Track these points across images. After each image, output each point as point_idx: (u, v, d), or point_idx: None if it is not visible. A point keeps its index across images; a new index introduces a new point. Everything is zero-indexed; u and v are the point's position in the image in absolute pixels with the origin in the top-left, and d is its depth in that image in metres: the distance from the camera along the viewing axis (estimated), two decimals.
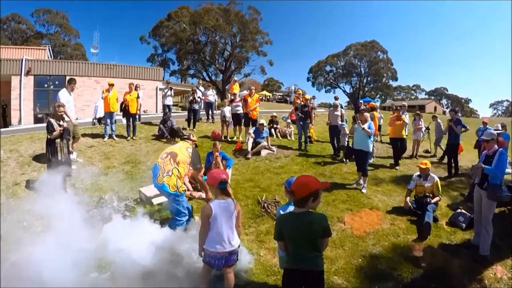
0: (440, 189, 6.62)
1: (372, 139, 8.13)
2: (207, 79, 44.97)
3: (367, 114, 8.10)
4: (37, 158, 8.91)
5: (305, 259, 3.04)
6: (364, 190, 7.55)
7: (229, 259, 3.76)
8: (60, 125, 6.81)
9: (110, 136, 11.50)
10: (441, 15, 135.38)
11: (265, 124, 11.08)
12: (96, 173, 8.32)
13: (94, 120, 14.67)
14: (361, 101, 19.64)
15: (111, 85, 11.43)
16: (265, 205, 6.49)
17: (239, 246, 3.84)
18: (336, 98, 11.93)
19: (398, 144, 10.04)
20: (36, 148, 9.63)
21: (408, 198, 6.61)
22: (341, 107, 11.40)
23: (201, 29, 44.47)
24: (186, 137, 5.82)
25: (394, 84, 63.57)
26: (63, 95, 8.78)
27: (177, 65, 50.07)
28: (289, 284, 3.18)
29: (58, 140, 6.76)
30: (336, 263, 4.78)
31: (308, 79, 62.78)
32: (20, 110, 21.16)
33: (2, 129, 15.33)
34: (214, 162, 7.90)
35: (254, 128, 11.09)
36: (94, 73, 23.70)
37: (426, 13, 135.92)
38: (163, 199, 6.18)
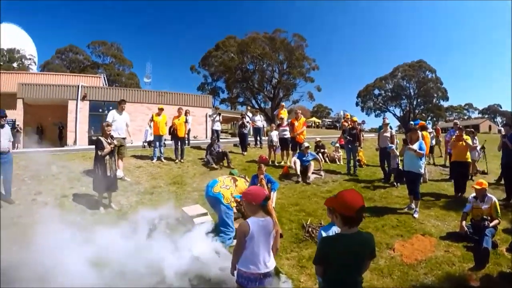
0: (499, 211, 6.05)
1: (423, 160, 7.66)
2: (256, 106, 45.61)
3: (419, 133, 7.71)
4: (87, 174, 9.35)
5: (348, 284, 2.75)
6: (416, 215, 7.10)
7: (263, 282, 3.46)
8: (109, 143, 7.17)
9: (159, 158, 11.93)
10: (487, 30, 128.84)
11: (310, 147, 10.92)
12: (141, 191, 8.68)
13: (145, 143, 15.36)
14: (411, 123, 18.92)
15: (161, 109, 12.06)
16: (310, 229, 6.30)
17: (274, 268, 3.57)
18: (385, 119, 11.54)
19: (460, 168, 8.97)
20: (87, 165, 10.14)
21: (464, 222, 6.12)
22: (391, 128, 10.96)
23: (249, 58, 45.53)
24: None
25: (445, 104, 61.24)
26: (111, 114, 9.49)
27: (227, 93, 51.45)
28: None
29: (107, 157, 7.09)
30: None
31: (357, 104, 62.06)
32: (75, 131, 22.95)
33: (58, 148, 16.33)
34: (259, 184, 7.83)
35: (298, 152, 10.98)
36: (146, 99, 25.03)
37: (471, 29, 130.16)
38: (204, 219, 6.28)
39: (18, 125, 21.82)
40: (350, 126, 11.38)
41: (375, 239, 5.59)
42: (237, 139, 16.80)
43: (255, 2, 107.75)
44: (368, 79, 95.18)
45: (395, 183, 9.47)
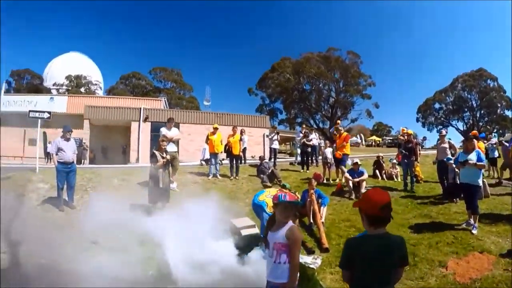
0: None
1: (482, 171, 7.19)
2: (315, 126, 45.46)
3: (475, 141, 7.31)
4: (143, 185, 9.82)
5: None
6: (474, 231, 6.59)
7: None
8: (163, 157, 7.65)
9: (214, 175, 12.43)
10: None
11: (359, 163, 10.70)
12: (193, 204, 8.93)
13: (202, 161, 16.09)
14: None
15: (215, 128, 12.64)
16: None
17: (285, 285, 3.06)
18: (445, 131, 10.97)
19: None
20: (146, 178, 10.59)
21: None
22: (450, 139, 10.40)
23: (305, 78, 45.72)
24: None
25: (510, 114, 55.85)
26: (161, 131, 10.22)
27: (285, 114, 51.75)
28: None
29: (160, 170, 7.55)
30: None
31: (417, 120, 58.88)
32: (138, 150, 24.39)
33: (121, 165, 17.53)
34: (308, 200, 7.86)
35: (349, 169, 10.87)
36: (205, 121, 26.03)
37: None
38: (251, 231, 6.55)
39: (84, 143, 23.86)
40: (406, 140, 11.00)
41: (428, 257, 5.47)
42: (293, 158, 17.10)
43: (307, 24, 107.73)
44: (427, 92, 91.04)
45: (454, 199, 8.92)
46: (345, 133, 12.30)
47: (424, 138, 42.70)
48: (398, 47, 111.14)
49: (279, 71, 47.42)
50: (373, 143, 52.29)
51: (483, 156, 7.04)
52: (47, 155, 20.94)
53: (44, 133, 22.71)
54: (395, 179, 12.47)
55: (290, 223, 3.17)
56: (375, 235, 2.52)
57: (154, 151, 7.98)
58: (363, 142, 47.09)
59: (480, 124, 53.44)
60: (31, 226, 6.78)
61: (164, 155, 8.04)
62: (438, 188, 10.26)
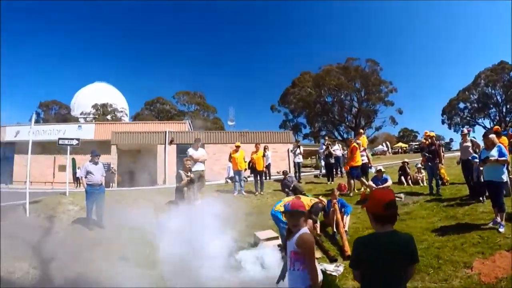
0: None
1: (505, 169, 6.89)
2: (339, 138, 45.23)
3: (493, 136, 7.10)
4: (169, 204, 9.94)
5: None
6: (501, 229, 6.37)
7: None
8: (187, 176, 7.93)
9: (240, 192, 12.72)
10: None
11: (383, 170, 10.64)
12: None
13: (227, 179, 16.39)
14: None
15: (238, 146, 13.04)
16: None
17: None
18: (466, 130, 10.73)
19: None
20: (172, 198, 10.76)
21: None
22: (474, 138, 10.18)
23: (326, 91, 45.76)
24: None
25: None
26: (188, 151, 10.55)
27: (309, 128, 51.73)
28: None
29: (185, 189, 7.83)
30: None
31: (443, 122, 57.32)
32: (164, 172, 24.84)
33: (149, 187, 18.09)
34: (332, 209, 7.90)
35: (373, 176, 10.93)
36: (229, 140, 26.39)
37: None
38: (274, 243, 6.76)
39: (112, 167, 24.59)
40: (428, 142, 10.85)
41: (452, 259, 5.42)
42: (317, 171, 17.30)
43: (324, 37, 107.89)
44: (450, 93, 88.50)
45: (481, 199, 8.69)
46: (354, 144, 12.08)
47: (451, 140, 41.58)
48: (416, 49, 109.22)
49: (300, 86, 47.72)
50: (400, 150, 51.34)
51: (505, 151, 6.83)
52: (77, 180, 21.87)
53: (73, 159, 23.77)
54: (421, 184, 12.26)
55: (302, 230, 3.23)
56: (382, 233, 2.59)
57: (179, 171, 8.33)
58: (390, 150, 46.30)
59: (508, 119, 51.23)
60: (62, 244, 7.27)
61: (189, 174, 8.36)
62: (465, 189, 10.01)
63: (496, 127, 10.48)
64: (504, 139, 9.20)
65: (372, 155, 41.01)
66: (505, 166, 6.90)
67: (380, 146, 48.06)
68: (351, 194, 11.48)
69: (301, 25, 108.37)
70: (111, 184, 23.74)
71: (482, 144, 9.35)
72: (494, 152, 6.82)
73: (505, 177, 6.89)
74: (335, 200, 8.06)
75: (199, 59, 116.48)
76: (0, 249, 5.97)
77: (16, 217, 9.12)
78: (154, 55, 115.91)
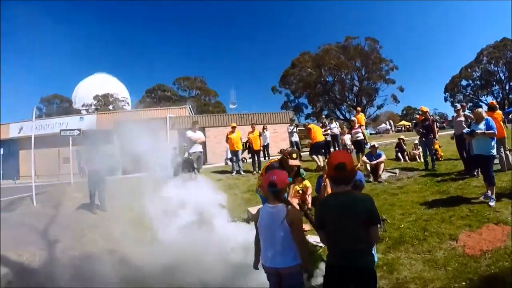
0: None
1: (495, 140, 6.84)
2: (341, 117, 45.03)
3: (480, 110, 6.99)
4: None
5: (348, 253, 2.64)
6: (492, 203, 6.28)
7: (282, 283, 3.07)
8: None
9: (238, 172, 12.82)
10: None
11: (377, 146, 10.56)
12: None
13: (226, 160, 16.52)
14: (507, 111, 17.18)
15: (233, 127, 13.02)
16: None
17: (296, 268, 3.07)
18: (460, 105, 10.61)
19: None
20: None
21: None
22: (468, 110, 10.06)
23: (326, 70, 45.32)
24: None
25: None
26: (187, 133, 10.91)
27: (311, 108, 51.47)
28: (332, 285, 2.76)
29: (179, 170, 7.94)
30: (430, 285, 4.15)
31: (445, 99, 56.62)
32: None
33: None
34: (323, 184, 7.91)
35: (366, 152, 10.84)
36: (230, 123, 26.22)
37: None
38: None
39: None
40: (422, 118, 10.70)
41: (439, 231, 5.38)
42: None
43: (322, 16, 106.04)
44: (453, 70, 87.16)
45: (475, 173, 8.58)
46: (308, 126, 13.04)
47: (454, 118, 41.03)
48: (416, 25, 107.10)
49: (299, 67, 47.26)
50: (403, 128, 51.13)
51: (493, 124, 6.70)
52: (82, 170, 21.90)
53: (78, 151, 23.81)
54: (418, 160, 12.17)
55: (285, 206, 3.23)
56: (339, 193, 2.76)
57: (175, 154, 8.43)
58: (393, 128, 46.11)
59: (511, 96, 50.70)
60: (67, 228, 7.57)
61: (186, 155, 8.51)
62: (460, 165, 9.87)
63: (492, 101, 10.30)
64: (499, 113, 9.03)
65: (376, 133, 41.00)
66: (494, 139, 6.79)
67: (383, 125, 47.86)
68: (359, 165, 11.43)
69: (297, 4, 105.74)
70: (115, 172, 23.86)
71: None
72: (481, 126, 6.72)
73: (494, 151, 6.82)
74: (325, 176, 7.99)
75: (199, 42, 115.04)
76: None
77: (23, 207, 9.41)
78: (151, 42, 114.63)
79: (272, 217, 3.09)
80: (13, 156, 28.51)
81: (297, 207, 6.88)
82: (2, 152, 25.64)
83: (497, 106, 9.40)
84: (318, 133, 12.46)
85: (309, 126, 12.96)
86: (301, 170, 7.32)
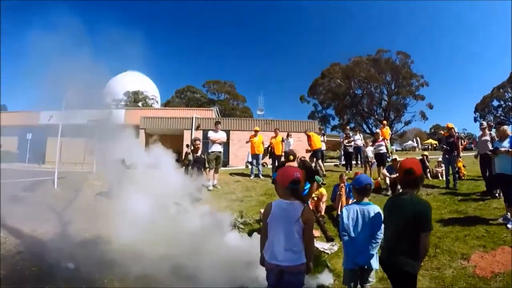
0: None
1: None
2: (368, 131, 44.48)
3: (505, 128, 6.83)
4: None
5: (393, 251, 2.89)
6: (510, 225, 6.06)
7: (282, 280, 2.97)
8: (196, 157, 7.99)
9: (257, 175, 12.89)
10: None
11: (398, 159, 10.37)
12: (232, 199, 9.74)
13: (247, 163, 16.57)
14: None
15: (256, 131, 13.21)
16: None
17: (301, 267, 3.02)
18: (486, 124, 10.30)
19: None
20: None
21: None
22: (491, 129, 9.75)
23: (355, 83, 44.94)
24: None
25: None
26: (209, 134, 11.14)
27: (337, 120, 51.06)
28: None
29: (189, 168, 7.90)
30: None
31: (475, 120, 54.43)
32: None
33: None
34: (339, 193, 7.94)
35: (388, 165, 10.65)
36: (254, 127, 26.43)
37: None
38: None
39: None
40: (446, 134, 10.47)
41: (451, 249, 5.32)
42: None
43: (355, 27, 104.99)
44: (484, 89, 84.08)
45: (497, 194, 8.30)
46: (309, 133, 13.78)
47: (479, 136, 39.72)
48: (449, 42, 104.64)
49: (329, 77, 47.02)
50: (430, 147, 50.05)
51: None
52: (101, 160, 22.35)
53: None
54: (440, 178, 11.90)
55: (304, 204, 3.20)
56: (399, 193, 3.22)
57: (187, 152, 8.39)
58: (420, 146, 45.12)
59: None
60: (82, 211, 7.91)
61: (199, 154, 8.42)
62: (483, 185, 9.56)
63: None
64: None
65: (401, 150, 40.26)
66: None
67: (409, 142, 46.95)
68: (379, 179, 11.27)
69: (331, 14, 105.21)
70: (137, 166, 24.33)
71: None
72: (505, 143, 6.53)
73: None
74: (342, 184, 8.10)
75: (232, 47, 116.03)
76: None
77: (44, 189, 9.88)
78: (184, 45, 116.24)
79: (287, 213, 3.03)
80: (41, 142, 29.41)
81: None
82: (30, 137, 26.45)
83: None
84: (317, 141, 13.39)
85: (309, 133, 13.64)
86: (317, 177, 7.30)
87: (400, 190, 3.03)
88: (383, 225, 3.38)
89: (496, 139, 7.57)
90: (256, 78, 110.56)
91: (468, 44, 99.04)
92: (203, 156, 8.67)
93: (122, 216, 7.11)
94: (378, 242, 3.56)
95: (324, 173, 12.89)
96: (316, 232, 6.67)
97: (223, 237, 5.90)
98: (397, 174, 3.14)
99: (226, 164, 23.37)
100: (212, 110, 34.86)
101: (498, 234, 5.90)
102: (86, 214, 7.59)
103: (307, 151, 13.31)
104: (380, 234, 3.52)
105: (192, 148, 8.72)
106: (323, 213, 7.80)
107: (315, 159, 12.92)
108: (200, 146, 8.79)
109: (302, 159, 6.69)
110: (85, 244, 5.95)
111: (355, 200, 3.89)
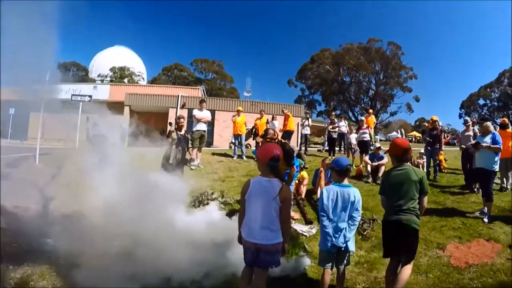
0: None
1: (499, 156, 6.69)
2: (353, 119, 44.69)
3: (488, 124, 6.91)
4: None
5: (400, 210, 3.60)
6: (486, 220, 6.18)
7: (258, 258, 3.00)
8: (180, 134, 7.79)
9: (239, 156, 12.79)
10: None
11: (382, 148, 10.43)
12: (214, 178, 9.75)
13: (231, 144, 16.37)
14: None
15: (239, 111, 12.98)
16: (360, 222, 6.03)
17: (278, 246, 3.04)
18: (471, 121, 10.40)
19: None
20: None
21: None
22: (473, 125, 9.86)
23: (344, 70, 44.86)
24: None
25: None
26: (194, 112, 11.16)
27: (324, 106, 51.09)
28: (387, 233, 3.77)
29: (173, 147, 7.69)
30: None
31: (460, 116, 55.28)
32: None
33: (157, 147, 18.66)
34: (318, 177, 7.96)
35: (370, 153, 10.76)
36: (237, 107, 26.25)
37: None
38: None
39: (124, 127, 24.70)
40: (430, 126, 10.53)
41: (427, 238, 5.41)
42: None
43: (347, 12, 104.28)
44: (472, 87, 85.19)
45: (475, 189, 8.38)
46: (286, 112, 14.19)
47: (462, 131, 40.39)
48: (442, 39, 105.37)
49: (318, 63, 46.78)
50: (414, 139, 50.65)
51: (499, 139, 6.60)
52: (89, 136, 21.93)
53: (87, 117, 23.84)
54: (421, 169, 12.01)
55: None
56: (400, 167, 3.81)
57: (170, 129, 8.14)
58: (403, 137, 45.58)
59: None
60: (64, 187, 7.69)
61: (183, 132, 8.18)
62: (463, 179, 9.65)
63: (504, 119, 10.11)
64: (509, 132, 8.78)
65: (386, 140, 40.61)
66: (498, 155, 6.68)
67: (394, 133, 47.36)
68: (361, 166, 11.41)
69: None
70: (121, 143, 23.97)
71: None
72: (487, 139, 6.63)
73: (496, 167, 6.71)
74: (321, 169, 8.10)
75: (221, 26, 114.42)
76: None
77: (26, 165, 9.73)
78: (173, 22, 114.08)
79: (266, 191, 3.02)
80: (24, 118, 28.66)
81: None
82: (12, 112, 25.73)
83: (509, 125, 9.16)
84: (292, 123, 13.80)
85: (288, 113, 13.87)
86: (299, 160, 7.28)
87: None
88: (361, 210, 3.77)
89: (479, 134, 7.67)
90: (244, 60, 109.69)
91: (459, 42, 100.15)
92: (187, 135, 8.41)
93: (101, 192, 7.11)
94: (355, 225, 3.69)
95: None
96: (296, 215, 6.69)
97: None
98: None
99: (210, 144, 23.19)
100: (198, 89, 34.46)
101: (474, 227, 6.00)
102: (68, 190, 7.46)
103: (280, 130, 13.25)
104: (358, 217, 3.72)
105: (176, 126, 8.40)
106: (303, 196, 7.82)
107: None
108: (184, 124, 8.51)
109: (283, 141, 6.61)
110: (65, 220, 5.89)
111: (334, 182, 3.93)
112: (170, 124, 9.33)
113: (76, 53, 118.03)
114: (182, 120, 8.36)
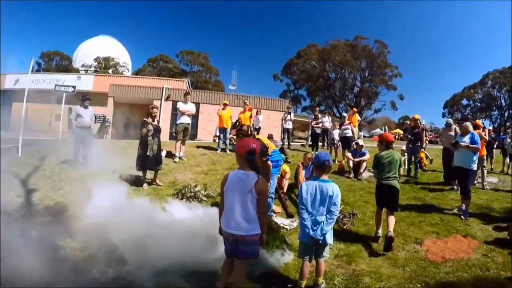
0: None
1: (477, 156, 6.86)
2: (338, 115, 44.94)
3: (467, 124, 7.05)
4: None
5: (389, 177, 5.37)
6: (464, 216, 6.32)
7: (237, 249, 3.13)
8: (152, 125, 7.67)
9: (223, 150, 12.72)
10: None
11: (362, 143, 10.51)
12: (198, 171, 9.70)
13: (215, 137, 16.28)
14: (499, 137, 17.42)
15: (225, 104, 12.83)
16: (340, 216, 6.10)
17: (255, 237, 3.13)
18: (453, 122, 10.58)
19: None
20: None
21: None
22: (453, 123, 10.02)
23: (330, 66, 45.06)
24: None
25: None
26: (178, 104, 10.95)
27: (309, 101, 51.27)
28: (379, 192, 5.55)
29: (149, 138, 7.55)
30: (385, 281, 4.14)
31: (443, 115, 56.67)
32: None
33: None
34: (297, 172, 8.23)
35: (352, 149, 10.83)
36: (223, 100, 26.08)
37: None
38: None
39: (108, 119, 24.32)
40: (412, 124, 10.65)
41: (405, 233, 5.49)
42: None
43: (335, 9, 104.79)
44: (455, 88, 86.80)
45: (454, 187, 8.58)
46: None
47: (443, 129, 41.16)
48: (429, 39, 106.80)
49: (304, 58, 46.92)
50: (397, 136, 51.34)
51: (478, 139, 6.75)
52: (71, 127, 21.47)
53: (70, 108, 23.36)
54: (403, 166, 12.13)
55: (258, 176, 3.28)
56: (387, 152, 5.59)
57: (145, 119, 7.90)
58: None
59: (508, 124, 50.45)
60: (47, 179, 7.64)
61: (156, 123, 8.00)
62: (443, 177, 9.92)
63: (478, 121, 10.38)
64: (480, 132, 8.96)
65: (369, 137, 41.04)
66: (477, 154, 6.83)
67: (377, 130, 47.90)
68: (343, 162, 11.49)
69: None
70: (105, 136, 23.57)
71: None
72: (466, 139, 6.78)
73: (474, 166, 6.84)
74: (300, 164, 8.39)
75: (208, 19, 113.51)
76: None
77: (8, 156, 9.30)
78: (159, 13, 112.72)
79: (242, 183, 3.14)
80: (7, 108, 28.02)
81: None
82: None
83: (482, 127, 9.48)
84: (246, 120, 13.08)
85: (249, 106, 13.86)
86: (282, 155, 7.27)
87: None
88: (339, 204, 3.90)
89: (458, 134, 7.80)
90: (231, 53, 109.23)
91: (444, 43, 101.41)
92: (159, 127, 8.17)
93: (85, 184, 7.05)
94: (333, 219, 3.78)
95: None
96: (277, 208, 6.72)
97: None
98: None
99: (194, 137, 23.03)
100: (183, 81, 34.18)
101: (452, 223, 6.12)
102: (50, 182, 7.42)
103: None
104: (336, 211, 3.80)
105: (149, 116, 8.15)
106: (285, 190, 7.85)
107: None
108: (157, 114, 8.33)
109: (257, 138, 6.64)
110: (48, 211, 5.83)
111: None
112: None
113: (59, 42, 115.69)
114: (155, 110, 8.15)
